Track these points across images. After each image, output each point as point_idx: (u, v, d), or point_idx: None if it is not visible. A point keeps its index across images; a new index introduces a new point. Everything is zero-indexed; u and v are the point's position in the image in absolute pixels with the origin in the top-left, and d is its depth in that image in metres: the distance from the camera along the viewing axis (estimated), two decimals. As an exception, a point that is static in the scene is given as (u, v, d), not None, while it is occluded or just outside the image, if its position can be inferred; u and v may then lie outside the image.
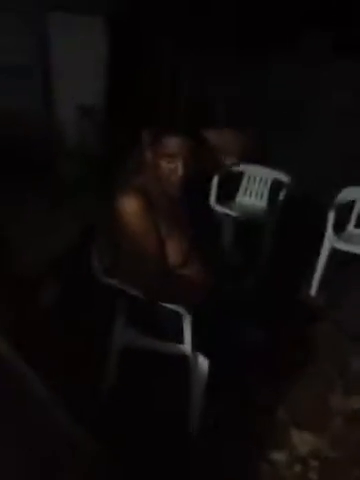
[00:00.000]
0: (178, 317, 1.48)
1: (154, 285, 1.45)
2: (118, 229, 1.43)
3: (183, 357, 1.56)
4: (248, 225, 2.94)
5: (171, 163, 1.41)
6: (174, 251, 1.48)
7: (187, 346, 1.53)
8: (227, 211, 2.99)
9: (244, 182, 3.24)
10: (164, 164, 1.41)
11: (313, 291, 2.73)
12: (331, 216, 2.74)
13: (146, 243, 1.42)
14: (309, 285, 2.73)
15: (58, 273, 2.51)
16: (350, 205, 2.86)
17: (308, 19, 4.45)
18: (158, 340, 1.57)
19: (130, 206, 1.39)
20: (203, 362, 1.51)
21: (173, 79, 5.45)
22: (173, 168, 1.41)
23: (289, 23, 4.54)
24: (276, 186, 3.11)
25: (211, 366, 1.51)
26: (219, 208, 3.00)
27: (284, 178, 3.09)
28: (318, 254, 2.70)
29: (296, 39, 4.56)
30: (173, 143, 1.40)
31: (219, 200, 3.05)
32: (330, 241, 2.66)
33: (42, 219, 3.45)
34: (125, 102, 5.09)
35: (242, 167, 3.26)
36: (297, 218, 3.30)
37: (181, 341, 1.54)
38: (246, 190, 3.23)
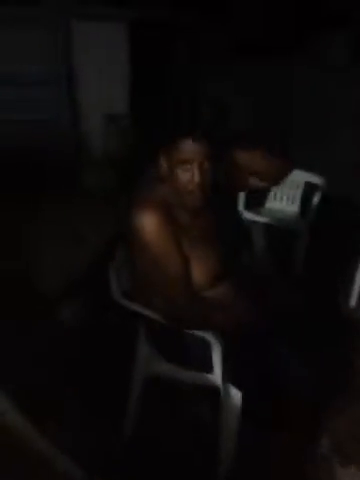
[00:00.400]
0: (206, 345, 1.33)
1: (177, 311, 1.29)
2: (135, 248, 1.29)
3: (212, 388, 1.41)
4: (279, 232, 2.76)
5: (186, 171, 1.26)
6: (200, 271, 1.32)
7: (217, 377, 1.38)
8: (256, 218, 2.82)
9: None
10: (180, 172, 1.26)
11: (353, 302, 2.52)
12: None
13: (166, 263, 1.26)
14: (348, 296, 2.53)
15: (78, 289, 2.41)
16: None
17: (330, 21, 4.25)
18: (184, 369, 1.42)
19: (147, 222, 1.24)
20: (236, 395, 1.35)
21: (197, 84, 5.34)
22: (189, 176, 1.26)
23: (312, 25, 4.36)
24: (309, 189, 2.91)
25: (245, 400, 1.35)
26: (248, 215, 2.83)
27: (317, 180, 2.88)
28: (357, 261, 2.49)
29: (319, 41, 4.38)
30: (188, 148, 1.25)
31: (248, 206, 2.88)
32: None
33: (66, 232, 3.37)
34: (150, 108, 5.00)
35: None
36: (332, 223, 3.10)
37: (210, 371, 1.39)
38: (276, 194, 3.04)
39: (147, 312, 1.34)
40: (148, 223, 1.24)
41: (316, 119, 4.39)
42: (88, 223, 3.53)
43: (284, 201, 3.01)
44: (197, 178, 1.25)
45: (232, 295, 1.37)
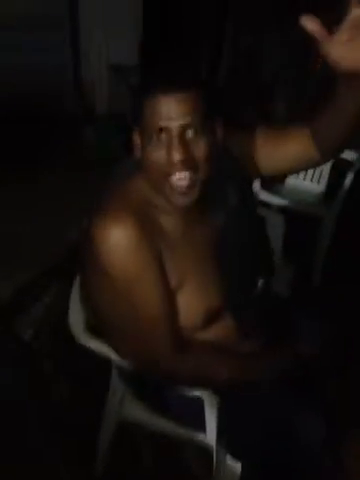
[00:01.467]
0: (198, 401, 0.98)
1: (159, 365, 0.90)
2: (93, 277, 0.87)
3: (203, 450, 1.07)
4: (300, 218, 2.33)
5: (160, 146, 0.78)
6: (193, 305, 0.90)
7: (210, 437, 1.04)
8: (273, 199, 2.38)
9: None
10: (150, 150, 0.79)
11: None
12: None
13: (141, 303, 0.84)
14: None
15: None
16: None
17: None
18: (168, 421, 1.08)
19: (112, 243, 0.79)
20: (233, 466, 1.01)
21: (219, 29, 4.76)
22: (164, 154, 0.78)
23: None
24: (340, 166, 2.45)
25: (245, 473, 1.01)
26: (263, 195, 2.39)
27: (351, 155, 2.41)
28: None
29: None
30: (158, 106, 0.76)
31: (264, 183, 2.44)
32: None
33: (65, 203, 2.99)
34: (163, 59, 4.47)
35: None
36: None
37: (201, 429, 1.04)
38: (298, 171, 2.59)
39: (118, 358, 0.97)
40: (114, 245, 0.79)
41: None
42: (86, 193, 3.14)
43: (308, 179, 2.56)
44: (178, 155, 0.77)
45: (238, 337, 0.98)
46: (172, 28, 4.45)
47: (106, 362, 1.11)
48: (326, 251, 2.30)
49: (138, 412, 1.13)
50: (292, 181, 2.58)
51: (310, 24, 0.69)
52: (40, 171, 3.27)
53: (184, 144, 0.77)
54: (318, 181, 2.54)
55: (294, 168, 1.08)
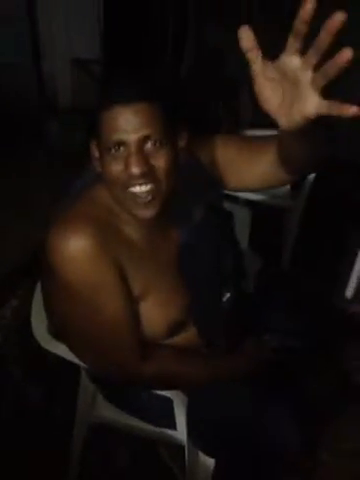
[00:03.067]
0: (167, 400, 0.98)
1: (119, 372, 0.89)
2: (52, 287, 0.85)
3: (178, 448, 1.08)
4: (265, 210, 2.35)
5: (117, 158, 0.75)
6: (159, 315, 0.88)
7: (181, 434, 1.04)
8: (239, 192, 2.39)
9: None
10: (108, 161, 0.76)
11: (349, 293, 2.19)
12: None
13: (101, 311, 0.82)
14: (344, 285, 2.19)
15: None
16: None
17: None
18: (139, 420, 1.07)
19: (71, 255, 0.76)
20: (206, 462, 1.02)
21: (181, 24, 4.71)
22: (122, 166, 0.76)
23: None
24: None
25: (217, 468, 1.01)
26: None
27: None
28: (358, 247, 2.13)
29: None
30: (114, 118, 0.73)
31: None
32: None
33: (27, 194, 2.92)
34: (125, 54, 4.40)
35: (259, 133, 2.64)
36: (332, 200, 2.71)
37: (172, 426, 1.04)
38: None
39: (82, 364, 0.95)
40: (71, 255, 0.76)
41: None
42: (49, 189, 3.07)
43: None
44: (135, 168, 0.74)
45: (202, 346, 0.98)
46: (134, 20, 4.38)
47: (75, 364, 1.10)
48: (294, 241, 2.34)
49: (109, 413, 1.12)
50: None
51: (245, 38, 0.58)
52: (2, 167, 3.18)
53: (142, 157, 0.74)
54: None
55: (263, 186, 1.02)
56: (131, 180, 0.75)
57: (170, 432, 1.05)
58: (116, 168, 0.76)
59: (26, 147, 3.67)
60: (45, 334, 1.00)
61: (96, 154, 0.81)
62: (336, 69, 0.53)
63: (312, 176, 2.32)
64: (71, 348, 0.93)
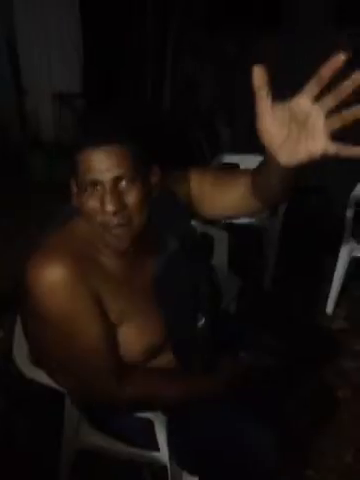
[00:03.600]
0: (148, 421, 1.01)
1: (98, 396, 0.94)
2: (30, 316, 0.90)
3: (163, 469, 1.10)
4: (246, 233, 2.43)
5: (93, 195, 0.81)
6: (132, 344, 0.93)
7: (163, 455, 1.06)
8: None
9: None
10: (85, 198, 0.82)
11: (330, 308, 2.25)
12: (349, 216, 2.24)
13: (78, 338, 0.86)
14: (325, 302, 2.25)
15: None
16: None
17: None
18: (123, 443, 1.10)
19: (47, 285, 0.81)
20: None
21: (159, 58, 4.87)
22: (97, 203, 0.82)
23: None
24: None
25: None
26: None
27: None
28: (334, 264, 2.20)
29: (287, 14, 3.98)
30: (88, 158, 0.80)
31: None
32: (349, 249, 2.16)
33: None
34: (106, 87, 4.53)
35: (237, 158, 2.75)
36: (307, 221, 2.80)
37: (154, 448, 1.07)
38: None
39: (63, 390, 0.99)
40: (48, 284, 0.81)
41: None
42: (35, 219, 3.11)
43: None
44: (110, 206, 0.80)
45: (179, 369, 1.02)
46: (114, 54, 4.53)
47: (59, 392, 1.13)
48: (274, 261, 2.40)
49: (94, 438, 1.14)
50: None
51: (257, 77, 0.62)
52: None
53: (116, 195, 0.80)
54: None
55: (236, 214, 1.08)
56: (106, 216, 0.81)
57: (153, 454, 1.08)
58: (92, 204, 0.82)
59: (10, 179, 3.73)
60: (27, 363, 1.03)
61: (75, 190, 0.87)
62: (354, 117, 0.60)
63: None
64: (50, 374, 0.96)
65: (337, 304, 2.24)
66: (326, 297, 2.23)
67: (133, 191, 0.82)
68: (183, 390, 1.00)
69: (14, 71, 4.27)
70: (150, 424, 1.02)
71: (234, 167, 2.69)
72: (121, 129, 0.84)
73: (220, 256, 1.79)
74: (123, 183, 0.82)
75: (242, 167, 2.68)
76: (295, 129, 0.65)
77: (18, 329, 1.07)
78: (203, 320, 1.07)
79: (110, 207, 0.80)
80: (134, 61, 4.86)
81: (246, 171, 1.00)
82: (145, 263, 0.97)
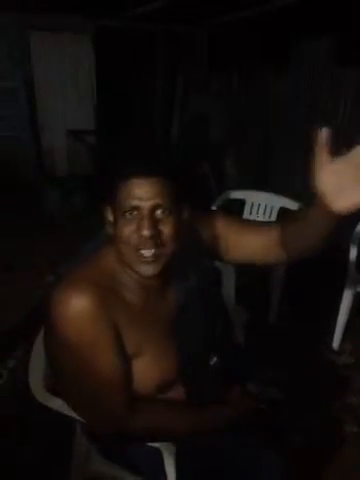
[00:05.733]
0: (157, 452, 1.04)
1: (109, 426, 0.97)
2: (51, 343, 0.94)
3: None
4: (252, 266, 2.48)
5: (131, 221, 0.87)
6: (146, 377, 0.96)
7: (172, 486, 1.09)
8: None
9: (246, 211, 2.80)
10: (122, 224, 0.88)
11: (336, 343, 2.27)
12: (353, 252, 2.29)
13: (95, 368, 0.90)
14: (331, 336, 2.27)
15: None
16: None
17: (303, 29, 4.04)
18: (132, 474, 1.12)
19: (70, 313, 0.86)
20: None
21: (168, 96, 5.08)
22: (133, 228, 0.87)
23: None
24: (284, 216, 2.66)
25: None
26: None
27: (293, 206, 2.64)
28: (339, 298, 2.24)
29: (291, 51, 4.17)
30: (131, 187, 0.86)
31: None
32: (353, 282, 2.20)
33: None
34: (117, 123, 4.72)
35: (243, 194, 2.84)
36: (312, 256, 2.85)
37: (163, 477, 1.09)
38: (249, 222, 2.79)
39: (76, 417, 1.03)
40: (71, 313, 0.86)
41: (295, 135, 4.18)
42: (49, 252, 3.19)
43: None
44: (146, 231, 0.85)
45: (190, 404, 1.05)
46: (124, 95, 4.73)
47: (71, 422, 1.17)
48: (280, 295, 2.44)
49: (103, 467, 1.17)
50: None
51: (324, 138, 0.74)
52: (4, 230, 3.32)
53: (153, 222, 0.86)
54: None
55: (257, 261, 1.13)
56: (141, 240, 0.87)
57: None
58: (129, 229, 0.87)
59: (27, 212, 3.85)
60: (41, 389, 1.08)
61: (110, 218, 0.93)
62: None
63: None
64: (66, 400, 1.01)
65: (343, 339, 2.26)
66: (331, 332, 2.25)
67: (168, 221, 0.89)
68: (192, 422, 1.02)
69: (31, 112, 4.47)
70: (159, 454, 1.05)
71: (240, 202, 2.79)
72: (164, 163, 0.91)
73: (228, 289, 1.84)
74: (159, 212, 0.88)
75: (248, 202, 2.78)
76: (351, 177, 0.75)
77: (34, 356, 1.12)
78: (215, 359, 1.11)
79: (146, 232, 0.86)
80: (144, 100, 5.07)
81: (271, 223, 1.07)
82: (166, 295, 1.02)
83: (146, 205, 0.86)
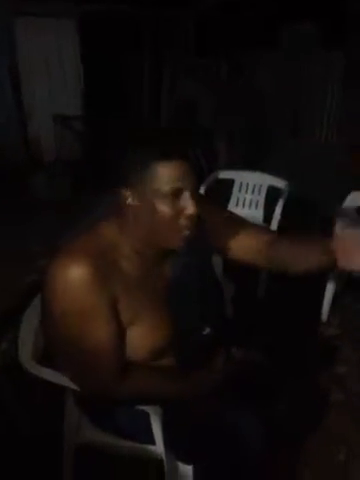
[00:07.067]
0: (145, 415, 1.07)
1: (99, 390, 1.00)
2: (48, 314, 0.95)
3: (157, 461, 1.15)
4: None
5: (173, 203, 0.90)
6: (139, 344, 1.00)
7: (159, 448, 1.12)
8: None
9: (235, 191, 2.82)
10: (162, 206, 0.90)
11: (324, 316, 2.31)
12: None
13: (90, 336, 0.93)
14: (319, 310, 2.31)
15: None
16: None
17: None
18: (121, 439, 1.16)
19: (70, 279, 0.88)
20: (185, 470, 1.10)
21: (155, 81, 5.05)
22: (177, 210, 0.91)
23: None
24: (272, 194, 2.68)
25: (196, 476, 1.09)
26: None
27: (281, 184, 2.66)
28: (328, 273, 2.27)
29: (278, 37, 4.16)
30: (177, 171, 0.89)
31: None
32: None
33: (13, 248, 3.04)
34: (105, 108, 4.69)
35: (232, 174, 2.85)
36: (299, 230, 2.88)
37: (151, 442, 1.13)
38: (238, 200, 2.81)
39: (66, 383, 1.05)
40: (70, 281, 0.88)
41: (283, 116, 4.19)
42: (37, 237, 3.19)
43: (246, 207, 2.78)
44: (193, 209, 0.91)
45: (179, 371, 1.08)
46: (112, 80, 4.69)
47: (61, 393, 1.20)
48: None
49: (95, 435, 1.20)
50: (232, 209, 2.77)
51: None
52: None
53: (196, 202, 0.92)
54: (256, 207, 2.75)
55: (238, 259, 1.21)
56: (186, 219, 0.92)
57: (150, 447, 1.13)
58: (170, 210, 0.91)
59: (14, 197, 3.84)
60: (30, 360, 1.10)
61: (131, 201, 0.92)
62: None
63: (280, 209, 2.51)
64: (59, 365, 1.04)
65: (331, 312, 2.30)
66: (319, 305, 2.29)
67: (195, 201, 0.92)
68: (178, 388, 1.06)
69: (17, 97, 4.43)
70: (146, 416, 1.08)
71: (229, 182, 2.80)
72: (192, 147, 0.95)
73: (216, 264, 1.86)
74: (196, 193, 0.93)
75: (237, 182, 2.80)
76: None
77: (23, 328, 1.14)
78: (208, 329, 1.14)
79: (196, 210, 0.91)
80: (131, 85, 5.03)
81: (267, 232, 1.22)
82: (162, 268, 1.06)
83: (190, 186, 0.91)
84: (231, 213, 1.24)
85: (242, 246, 1.17)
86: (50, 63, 4.51)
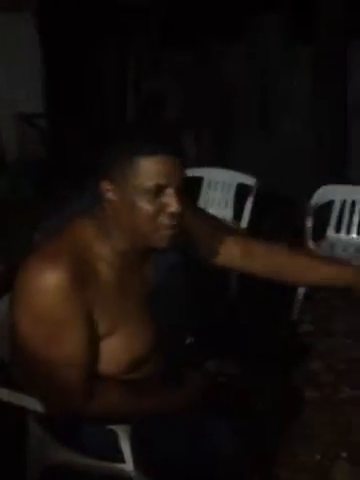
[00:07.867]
0: (113, 433, 1.01)
1: (65, 408, 0.92)
2: (18, 315, 0.87)
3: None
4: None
5: (157, 199, 0.85)
6: (118, 355, 0.92)
7: (128, 466, 1.06)
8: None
9: (204, 189, 2.77)
10: (144, 203, 0.85)
11: (295, 314, 2.30)
12: (308, 222, 2.32)
13: (61, 347, 0.86)
14: (291, 309, 2.29)
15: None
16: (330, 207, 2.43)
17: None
18: (89, 458, 1.09)
19: (45, 285, 0.81)
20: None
21: (121, 75, 4.94)
22: (160, 207, 0.86)
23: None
24: (242, 191, 2.65)
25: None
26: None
27: (250, 181, 2.63)
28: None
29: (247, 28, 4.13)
30: (161, 166, 0.84)
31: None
32: (310, 253, 2.22)
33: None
34: (67, 105, 4.55)
35: (200, 171, 2.80)
36: (269, 226, 2.88)
37: (121, 460, 1.06)
38: (207, 199, 2.76)
39: (32, 402, 0.97)
40: (45, 289, 0.81)
41: (251, 110, 4.17)
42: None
43: (215, 205, 2.73)
44: (178, 207, 0.85)
45: (157, 383, 1.02)
46: (74, 75, 4.56)
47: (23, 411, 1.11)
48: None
49: (61, 454, 1.13)
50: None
51: None
52: None
53: (180, 199, 0.86)
54: (225, 206, 2.72)
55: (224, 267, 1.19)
56: (168, 217, 0.86)
57: (119, 465, 1.07)
58: (151, 207, 0.85)
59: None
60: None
61: (111, 196, 0.87)
62: None
63: (249, 207, 2.48)
64: (23, 376, 0.97)
65: (303, 311, 2.29)
66: (290, 304, 2.28)
67: (181, 199, 0.87)
68: (152, 407, 1.00)
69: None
70: (114, 435, 1.01)
71: (198, 180, 2.75)
72: (179, 143, 0.92)
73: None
74: (178, 190, 0.87)
75: (206, 180, 2.75)
76: None
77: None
78: (191, 339, 1.10)
79: (179, 208, 0.85)
80: (95, 80, 4.90)
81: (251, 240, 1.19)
82: (143, 274, 0.98)
83: (175, 183, 0.85)
84: (216, 219, 1.20)
85: (229, 257, 1.14)
86: (7, 60, 4.32)
